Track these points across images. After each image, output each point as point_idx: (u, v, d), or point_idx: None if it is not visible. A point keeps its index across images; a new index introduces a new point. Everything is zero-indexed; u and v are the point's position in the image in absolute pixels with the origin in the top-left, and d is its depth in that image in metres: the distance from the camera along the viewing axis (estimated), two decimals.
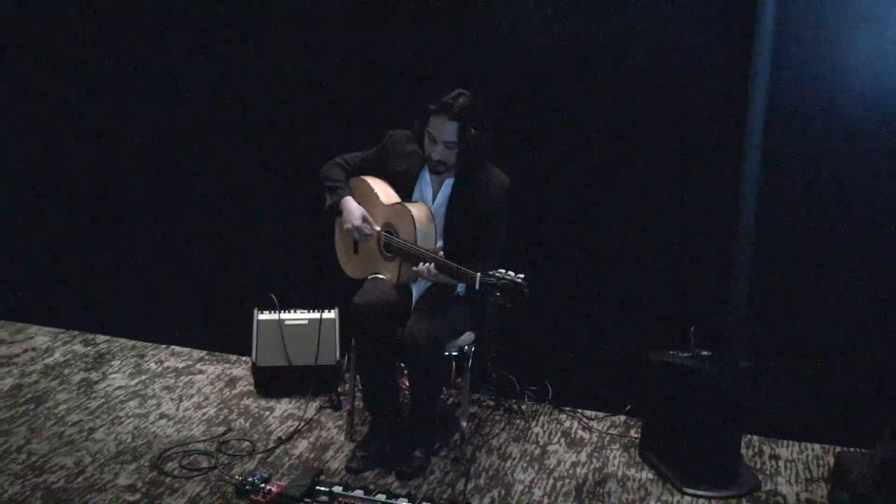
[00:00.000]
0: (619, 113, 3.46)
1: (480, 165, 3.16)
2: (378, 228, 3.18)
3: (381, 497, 2.91)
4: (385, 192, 3.22)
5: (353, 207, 3.18)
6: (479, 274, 2.75)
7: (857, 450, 3.28)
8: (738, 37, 3.09)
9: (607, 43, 3.42)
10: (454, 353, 3.23)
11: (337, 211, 3.22)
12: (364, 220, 3.16)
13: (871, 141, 3.19)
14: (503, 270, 2.72)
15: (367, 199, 3.24)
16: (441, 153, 3.07)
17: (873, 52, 3.12)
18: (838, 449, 3.40)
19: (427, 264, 2.95)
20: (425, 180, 3.21)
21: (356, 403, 3.52)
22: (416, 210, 3.08)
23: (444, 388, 3.72)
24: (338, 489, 2.94)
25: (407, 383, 3.63)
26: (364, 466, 3.20)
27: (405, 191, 3.22)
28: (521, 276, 2.69)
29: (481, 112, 3.05)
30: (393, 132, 3.26)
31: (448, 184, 3.19)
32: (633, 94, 3.42)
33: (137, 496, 2.99)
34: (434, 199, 3.20)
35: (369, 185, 3.24)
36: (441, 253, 3.01)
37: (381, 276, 3.21)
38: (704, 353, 3.19)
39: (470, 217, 3.14)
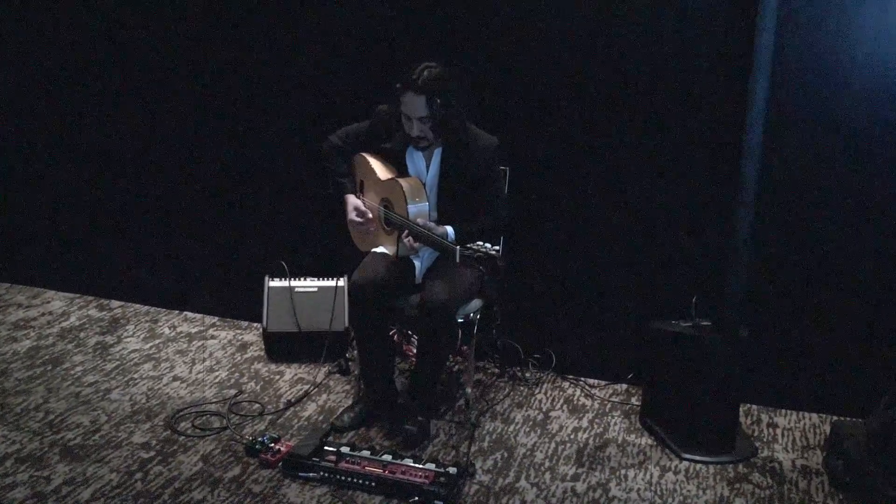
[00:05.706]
0: (620, 81, 3.49)
1: (463, 130, 3.17)
2: (375, 206, 3.28)
3: (387, 457, 2.99)
4: (382, 168, 3.29)
5: (349, 204, 3.32)
6: (458, 248, 2.86)
7: (853, 419, 3.34)
8: None
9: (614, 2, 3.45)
10: (460, 320, 3.30)
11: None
12: (357, 212, 3.30)
13: (878, 108, 3.19)
14: (480, 243, 2.91)
15: (367, 175, 3.34)
16: (418, 129, 3.10)
17: (879, 12, 3.11)
18: (835, 418, 3.46)
19: (410, 237, 3.04)
20: (417, 154, 3.26)
21: None
22: (406, 184, 3.16)
23: (449, 356, 3.79)
24: (345, 449, 3.02)
25: (414, 350, 3.72)
26: (350, 426, 3.30)
27: (399, 166, 3.29)
28: (497, 248, 2.87)
29: (448, 80, 3.05)
30: (381, 108, 3.28)
31: (438, 153, 3.24)
32: (636, 58, 3.44)
33: (152, 453, 3.09)
34: (427, 171, 3.26)
35: (369, 162, 3.32)
36: (430, 224, 3.09)
37: (383, 251, 3.30)
38: (705, 322, 3.25)
39: (464, 183, 3.20)
